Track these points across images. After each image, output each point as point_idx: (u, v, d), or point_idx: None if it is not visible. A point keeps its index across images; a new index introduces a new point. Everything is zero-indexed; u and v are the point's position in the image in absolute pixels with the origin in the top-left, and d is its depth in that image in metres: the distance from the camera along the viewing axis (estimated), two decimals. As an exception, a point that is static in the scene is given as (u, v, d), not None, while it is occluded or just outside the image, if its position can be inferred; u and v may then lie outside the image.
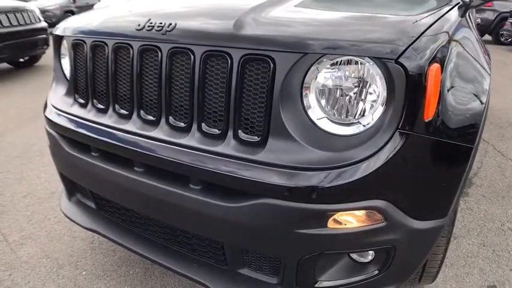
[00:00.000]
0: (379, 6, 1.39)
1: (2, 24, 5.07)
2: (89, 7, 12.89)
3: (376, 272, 1.02)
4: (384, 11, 1.20)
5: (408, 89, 0.86)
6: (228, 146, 0.99)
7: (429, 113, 0.90)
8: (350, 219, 0.92)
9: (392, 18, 1.07)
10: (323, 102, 0.95)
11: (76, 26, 1.34)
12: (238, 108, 0.97)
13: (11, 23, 5.22)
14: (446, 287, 1.64)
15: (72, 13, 13.10)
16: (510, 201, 2.37)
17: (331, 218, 0.90)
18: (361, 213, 0.91)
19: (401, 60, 0.85)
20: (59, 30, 1.43)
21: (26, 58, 6.12)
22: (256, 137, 0.96)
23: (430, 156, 0.95)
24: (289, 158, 0.91)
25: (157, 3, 1.36)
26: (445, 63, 0.96)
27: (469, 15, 1.71)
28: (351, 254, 1.04)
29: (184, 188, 1.04)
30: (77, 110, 1.34)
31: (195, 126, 1.05)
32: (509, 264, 1.81)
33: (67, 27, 1.38)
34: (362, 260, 1.05)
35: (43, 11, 10.66)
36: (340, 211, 0.90)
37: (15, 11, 5.35)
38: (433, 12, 1.20)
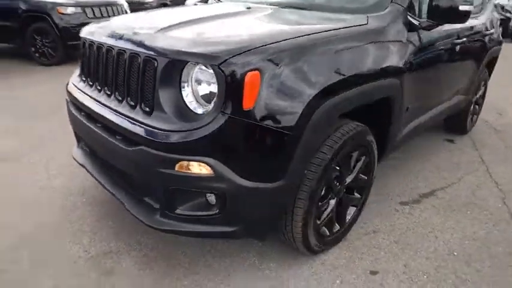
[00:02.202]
0: (285, 23, 1.83)
1: (95, 16, 6.34)
2: (182, 0, 13.96)
3: (217, 211, 1.49)
4: (269, 28, 1.67)
5: (228, 87, 1.33)
6: (138, 113, 1.56)
7: (247, 104, 1.34)
8: (191, 167, 1.41)
9: (246, 36, 1.52)
10: (192, 90, 1.46)
11: (87, 31, 2.04)
12: (142, 90, 1.53)
13: (102, 15, 6.45)
14: (335, 263, 1.94)
15: (166, 5, 14.29)
16: (457, 214, 2.40)
17: (178, 164, 1.41)
18: (198, 164, 1.40)
19: (221, 67, 1.32)
20: (81, 32, 2.16)
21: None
22: (148, 109, 1.51)
23: (248, 134, 1.38)
24: (160, 124, 1.44)
25: (135, 21, 2.01)
26: (271, 71, 1.37)
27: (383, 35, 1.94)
28: (206, 196, 1.52)
29: (115, 137, 1.64)
30: (80, 85, 2.04)
31: (125, 100, 1.64)
32: (408, 260, 1.98)
33: (83, 30, 2.10)
34: (212, 202, 1.52)
35: (142, 3, 11.99)
36: (183, 160, 1.40)
37: (107, 4, 6.61)
38: (312, 29, 1.61)
